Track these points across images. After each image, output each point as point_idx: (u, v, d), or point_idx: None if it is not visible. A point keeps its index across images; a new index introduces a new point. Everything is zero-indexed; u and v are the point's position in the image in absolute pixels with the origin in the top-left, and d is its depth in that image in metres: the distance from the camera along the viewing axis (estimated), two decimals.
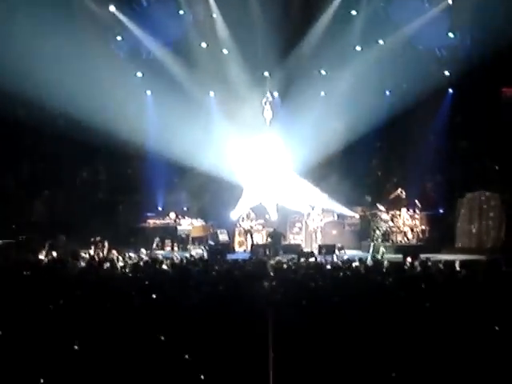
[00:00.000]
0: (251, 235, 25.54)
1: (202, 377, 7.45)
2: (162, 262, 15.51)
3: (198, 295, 9.97)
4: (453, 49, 26.64)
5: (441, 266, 14.56)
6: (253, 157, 26.84)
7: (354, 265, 15.04)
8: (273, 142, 26.90)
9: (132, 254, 18.89)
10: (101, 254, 19.86)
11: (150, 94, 28.18)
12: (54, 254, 18.60)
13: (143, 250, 20.29)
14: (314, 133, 26.24)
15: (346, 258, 18.85)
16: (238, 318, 8.48)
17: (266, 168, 26.94)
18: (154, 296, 9.88)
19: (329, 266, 14.71)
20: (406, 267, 14.67)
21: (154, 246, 24.79)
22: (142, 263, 15.44)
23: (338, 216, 26.39)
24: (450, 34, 26.43)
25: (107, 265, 14.67)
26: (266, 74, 27.52)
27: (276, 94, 27.78)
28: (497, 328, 8.29)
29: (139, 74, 27.54)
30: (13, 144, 25.99)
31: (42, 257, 17.89)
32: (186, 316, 8.73)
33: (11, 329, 8.38)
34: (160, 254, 22.19)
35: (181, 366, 7.64)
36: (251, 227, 25.62)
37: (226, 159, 26.20)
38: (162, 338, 8.14)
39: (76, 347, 7.96)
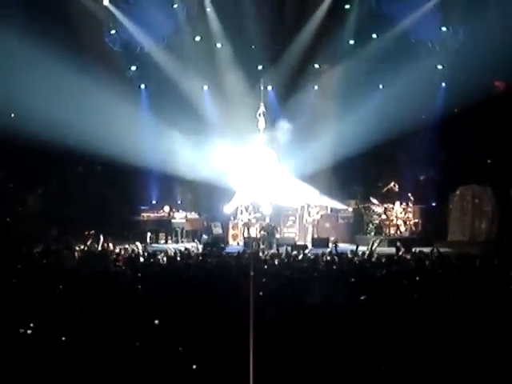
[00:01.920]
0: (248, 228, 25.51)
1: (194, 367, 7.50)
2: (156, 255, 15.56)
3: (192, 289, 10.02)
4: (446, 42, 26.72)
5: (433, 258, 14.66)
6: (245, 160, 26.56)
7: (347, 257, 15.09)
8: (265, 148, 26.67)
9: (127, 247, 18.92)
10: (96, 247, 19.82)
11: (143, 88, 28.18)
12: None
13: (138, 244, 20.29)
14: (306, 127, 26.37)
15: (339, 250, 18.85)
16: (232, 310, 8.54)
17: (258, 169, 26.66)
18: (148, 289, 9.93)
19: (323, 259, 14.75)
20: (398, 260, 14.73)
21: (148, 239, 24.79)
22: (133, 255, 15.48)
23: (331, 209, 26.44)
24: (443, 28, 26.53)
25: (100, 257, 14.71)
26: (260, 67, 27.57)
27: (270, 87, 27.80)
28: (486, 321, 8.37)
29: (133, 68, 27.56)
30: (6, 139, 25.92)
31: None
32: (179, 309, 8.79)
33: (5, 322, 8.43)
34: (154, 247, 22.23)
35: (174, 358, 7.69)
36: (249, 220, 25.56)
37: (218, 165, 26.06)
38: (156, 329, 8.20)
39: (64, 338, 8.00)
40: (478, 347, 7.75)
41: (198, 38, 27.23)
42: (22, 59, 23.72)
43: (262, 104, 26.47)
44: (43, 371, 7.51)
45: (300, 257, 15.41)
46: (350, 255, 15.17)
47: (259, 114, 26.37)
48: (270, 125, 26.77)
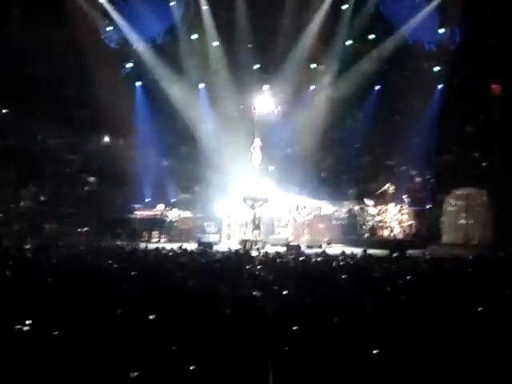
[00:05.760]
0: (244, 228, 25.18)
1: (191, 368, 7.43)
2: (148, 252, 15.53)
3: (186, 287, 9.97)
4: (443, 44, 26.72)
5: (427, 260, 14.64)
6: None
7: (339, 258, 15.06)
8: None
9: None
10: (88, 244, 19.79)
11: (139, 85, 28.13)
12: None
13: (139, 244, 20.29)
14: (302, 125, 26.45)
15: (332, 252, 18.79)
16: (226, 310, 8.49)
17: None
18: (141, 287, 9.88)
19: (316, 259, 14.71)
20: (392, 261, 14.70)
21: (142, 238, 24.72)
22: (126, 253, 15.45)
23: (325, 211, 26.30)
24: (440, 30, 26.54)
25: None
26: (256, 66, 27.58)
27: (267, 86, 27.68)
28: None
29: (129, 65, 27.54)
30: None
31: None
32: (173, 308, 8.73)
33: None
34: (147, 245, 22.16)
35: (169, 357, 7.63)
36: (243, 220, 25.22)
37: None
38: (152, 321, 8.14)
39: (56, 333, 7.93)
40: (471, 351, 7.71)
41: (194, 37, 27.19)
42: (20, 54, 23.77)
43: (256, 140, 24.94)
44: (37, 368, 7.46)
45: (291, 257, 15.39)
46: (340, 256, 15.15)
47: (253, 148, 24.71)
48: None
